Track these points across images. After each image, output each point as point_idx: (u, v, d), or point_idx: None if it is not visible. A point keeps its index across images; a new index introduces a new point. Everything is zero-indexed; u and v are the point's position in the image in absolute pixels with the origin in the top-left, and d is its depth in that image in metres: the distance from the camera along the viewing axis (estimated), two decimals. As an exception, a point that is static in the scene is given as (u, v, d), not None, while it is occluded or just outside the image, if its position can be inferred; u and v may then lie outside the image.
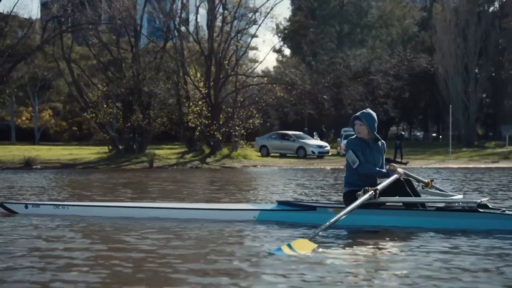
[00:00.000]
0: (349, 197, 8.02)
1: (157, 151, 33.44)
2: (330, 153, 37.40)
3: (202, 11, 39.17)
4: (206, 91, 33.97)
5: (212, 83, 34.32)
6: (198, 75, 34.80)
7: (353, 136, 8.43)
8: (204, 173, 25.06)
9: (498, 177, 20.75)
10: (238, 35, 35.43)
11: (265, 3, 37.94)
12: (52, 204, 9.80)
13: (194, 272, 5.27)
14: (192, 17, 40.22)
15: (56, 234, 7.50)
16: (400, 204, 8.14)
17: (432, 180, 8.55)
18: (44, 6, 50.25)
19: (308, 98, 34.42)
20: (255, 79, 35.82)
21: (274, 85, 34.76)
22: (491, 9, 56.13)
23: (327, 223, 6.84)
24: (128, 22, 32.52)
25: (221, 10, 34.93)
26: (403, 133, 38.30)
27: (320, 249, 6.21)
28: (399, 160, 33.97)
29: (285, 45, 59.61)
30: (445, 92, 52.03)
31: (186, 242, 6.80)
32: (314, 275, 5.13)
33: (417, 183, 8.58)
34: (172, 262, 5.67)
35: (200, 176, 22.62)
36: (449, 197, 8.21)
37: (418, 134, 73.77)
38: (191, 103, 33.78)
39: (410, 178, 8.31)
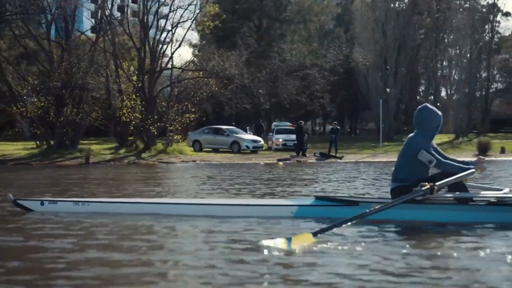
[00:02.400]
0: (398, 193, 7.84)
1: (88, 147, 32.41)
2: (263, 148, 37.39)
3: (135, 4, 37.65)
4: (139, 85, 33.20)
5: (146, 76, 33.57)
6: (132, 68, 33.98)
7: (413, 134, 8.16)
8: (149, 169, 24.43)
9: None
10: (173, 28, 34.78)
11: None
12: (71, 200, 9.24)
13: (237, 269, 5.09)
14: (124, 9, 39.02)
15: (84, 232, 7.12)
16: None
17: None
18: None
19: (244, 92, 34.15)
20: (190, 73, 35.20)
21: (210, 79, 34.33)
22: (401, 6, 57.40)
23: (346, 219, 6.72)
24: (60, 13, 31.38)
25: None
26: (338, 127, 38.65)
27: (357, 246, 6.05)
28: (334, 154, 34.36)
29: (201, 39, 58.78)
30: (363, 87, 53.02)
31: (226, 240, 6.48)
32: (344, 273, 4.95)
33: None
34: (211, 263, 5.35)
35: (150, 172, 22.08)
36: (497, 191, 8.18)
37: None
38: (124, 97, 32.91)
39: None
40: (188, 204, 9.01)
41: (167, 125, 33.82)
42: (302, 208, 8.29)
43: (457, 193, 7.78)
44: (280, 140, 38.32)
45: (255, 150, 36.32)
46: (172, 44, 34.66)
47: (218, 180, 16.62)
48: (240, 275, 4.85)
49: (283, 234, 6.60)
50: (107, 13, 34.27)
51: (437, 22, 56.02)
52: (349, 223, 6.74)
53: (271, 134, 40.86)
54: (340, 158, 33.40)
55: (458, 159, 8.32)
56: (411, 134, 8.22)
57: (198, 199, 10.64)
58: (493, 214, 7.60)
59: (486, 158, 8.31)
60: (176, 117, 33.85)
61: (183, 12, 34.92)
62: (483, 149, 37.60)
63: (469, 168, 7.71)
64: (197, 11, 34.49)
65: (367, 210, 6.95)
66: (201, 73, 35.09)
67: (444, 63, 60.03)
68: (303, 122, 38.11)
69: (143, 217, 8.22)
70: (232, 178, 17.26)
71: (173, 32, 34.55)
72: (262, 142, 37.38)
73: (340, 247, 5.98)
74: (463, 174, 7.61)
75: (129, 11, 37.49)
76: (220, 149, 36.64)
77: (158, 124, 33.37)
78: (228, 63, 33.67)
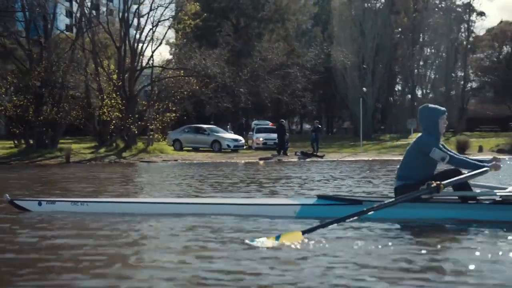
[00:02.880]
0: (402, 192, 7.75)
1: (68, 146, 32.07)
2: (244, 147, 37.34)
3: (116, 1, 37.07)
4: (120, 83, 32.93)
5: (126, 75, 33.30)
6: (112, 67, 33.67)
7: (421, 134, 8.12)
8: (134, 168, 24.22)
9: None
10: (153, 27, 34.47)
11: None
12: (69, 200, 9.07)
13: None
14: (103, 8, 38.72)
15: (81, 234, 6.95)
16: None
17: None
18: None
19: (225, 91, 33.95)
20: (170, 72, 34.88)
21: (191, 78, 34.13)
22: (377, 5, 57.52)
23: (339, 218, 6.66)
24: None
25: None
26: (319, 126, 38.51)
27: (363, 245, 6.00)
28: (315, 153, 34.36)
29: (182, 38, 58.49)
30: (341, 86, 53.14)
31: (230, 239, 6.41)
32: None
33: None
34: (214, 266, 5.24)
35: (138, 171, 21.88)
36: (502, 190, 8.12)
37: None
38: (105, 96, 32.60)
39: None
40: (190, 204, 8.90)
41: (148, 124, 33.50)
42: (305, 207, 8.22)
43: (462, 191, 7.76)
44: (261, 139, 38.33)
45: (236, 149, 36.23)
46: (152, 43, 34.44)
47: (209, 179, 16.49)
48: (224, 274, 4.85)
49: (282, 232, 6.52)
50: (86, 12, 33.97)
51: (414, 22, 56.38)
52: (341, 222, 6.69)
53: (251, 133, 40.83)
54: (321, 157, 33.42)
55: (471, 157, 8.32)
56: (420, 134, 8.20)
57: (200, 198, 10.52)
58: (498, 213, 7.57)
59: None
60: (157, 116, 33.58)
61: (164, 10, 34.73)
62: (462, 148, 37.82)
63: (483, 166, 7.63)
64: (178, 9, 34.26)
65: (364, 208, 6.87)
66: (181, 71, 34.83)
67: (421, 63, 60.49)
68: (284, 121, 38.10)
69: (143, 217, 8.10)
70: (223, 177, 17.16)
71: (153, 30, 34.35)
72: (243, 141, 37.34)
73: (325, 245, 5.97)
74: (473, 173, 7.55)
75: (107, 9, 37.08)
76: (201, 148, 36.47)
77: (139, 123, 33.09)
78: (210, 62, 33.50)
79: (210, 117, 45.49)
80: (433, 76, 60.50)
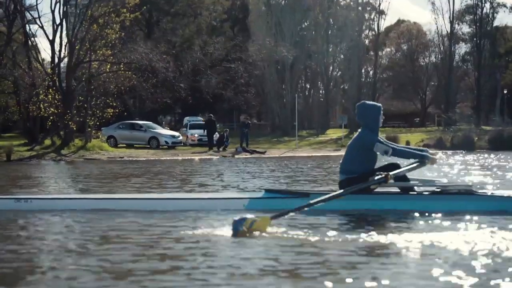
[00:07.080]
0: (347, 186, 8.02)
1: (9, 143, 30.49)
2: (182, 143, 36.83)
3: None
4: (55, 78, 31.61)
5: (62, 70, 32.01)
6: (48, 61, 32.32)
7: (361, 130, 8.34)
8: (83, 166, 23.25)
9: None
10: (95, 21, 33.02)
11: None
12: (12, 198, 8.82)
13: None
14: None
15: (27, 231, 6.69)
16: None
17: None
18: None
19: (165, 86, 33.24)
20: (108, 66, 33.67)
21: (130, 72, 33.19)
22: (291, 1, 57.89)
23: (298, 206, 6.97)
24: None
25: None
26: (249, 122, 38.43)
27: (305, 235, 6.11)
28: (254, 149, 34.32)
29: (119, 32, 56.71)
30: (260, 82, 53.21)
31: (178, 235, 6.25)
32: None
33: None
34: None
35: (94, 168, 20.93)
36: (439, 181, 8.61)
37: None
38: (40, 91, 31.17)
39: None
40: (137, 199, 8.99)
41: (87, 120, 32.25)
42: (253, 200, 8.43)
43: (404, 182, 8.12)
44: (196, 135, 37.99)
45: (174, 145, 35.65)
46: (90, 36, 32.97)
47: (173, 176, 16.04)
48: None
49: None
50: (18, 6, 32.49)
51: (328, 19, 57.40)
52: (297, 212, 7.01)
53: (184, 129, 40.45)
54: (263, 153, 33.48)
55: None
56: (360, 130, 8.46)
57: (147, 194, 10.64)
58: (437, 202, 7.91)
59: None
60: (97, 111, 32.43)
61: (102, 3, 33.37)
62: (391, 143, 38.85)
63: (424, 155, 8.09)
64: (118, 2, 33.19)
65: (310, 201, 7.13)
66: (121, 66, 33.77)
67: (335, 59, 61.64)
68: (212, 115, 37.77)
69: (90, 213, 7.85)
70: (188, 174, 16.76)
71: (90, 22, 32.98)
72: (181, 137, 36.89)
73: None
74: (414, 165, 8.02)
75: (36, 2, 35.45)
76: (136, 145, 35.59)
77: (78, 119, 31.86)
78: (157, 56, 32.65)
79: (150, 112, 44.08)
80: (345, 73, 61.81)
